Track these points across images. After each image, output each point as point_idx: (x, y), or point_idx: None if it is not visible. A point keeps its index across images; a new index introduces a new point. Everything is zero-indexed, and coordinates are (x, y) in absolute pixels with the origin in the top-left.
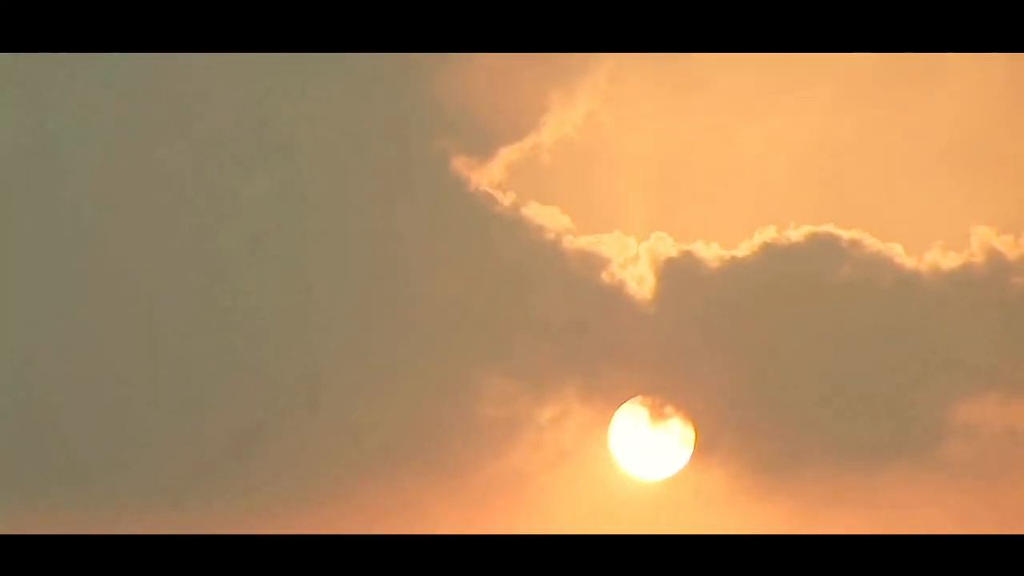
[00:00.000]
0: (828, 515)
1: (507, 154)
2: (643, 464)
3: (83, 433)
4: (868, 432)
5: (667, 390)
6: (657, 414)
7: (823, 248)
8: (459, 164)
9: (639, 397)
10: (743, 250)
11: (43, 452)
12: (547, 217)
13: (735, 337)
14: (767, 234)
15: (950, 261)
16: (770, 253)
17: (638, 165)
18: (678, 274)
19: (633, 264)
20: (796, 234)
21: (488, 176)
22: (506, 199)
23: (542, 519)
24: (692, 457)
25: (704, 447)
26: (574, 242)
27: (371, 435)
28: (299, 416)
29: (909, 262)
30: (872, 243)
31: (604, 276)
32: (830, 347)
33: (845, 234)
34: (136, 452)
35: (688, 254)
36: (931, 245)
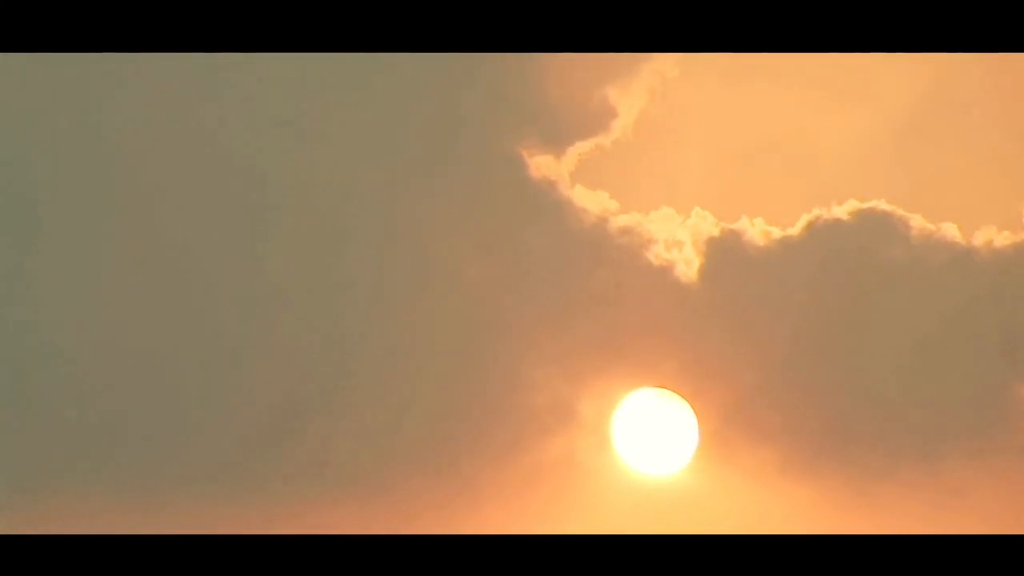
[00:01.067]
0: (879, 505)
1: (560, 143)
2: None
3: (113, 427)
4: (923, 418)
5: (709, 374)
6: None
7: (874, 226)
8: (510, 151)
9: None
10: (791, 229)
11: (58, 446)
12: (594, 200)
13: (782, 318)
14: (816, 212)
15: (1004, 240)
16: (819, 232)
17: (689, 148)
18: (723, 253)
19: (678, 246)
20: (845, 212)
21: (543, 163)
22: (556, 184)
23: (586, 507)
24: (734, 444)
25: (749, 432)
26: (620, 223)
27: (410, 420)
28: (334, 403)
29: (963, 241)
30: (924, 222)
31: (650, 256)
32: (882, 328)
33: (897, 212)
34: (168, 446)
35: (735, 233)
36: (985, 224)
